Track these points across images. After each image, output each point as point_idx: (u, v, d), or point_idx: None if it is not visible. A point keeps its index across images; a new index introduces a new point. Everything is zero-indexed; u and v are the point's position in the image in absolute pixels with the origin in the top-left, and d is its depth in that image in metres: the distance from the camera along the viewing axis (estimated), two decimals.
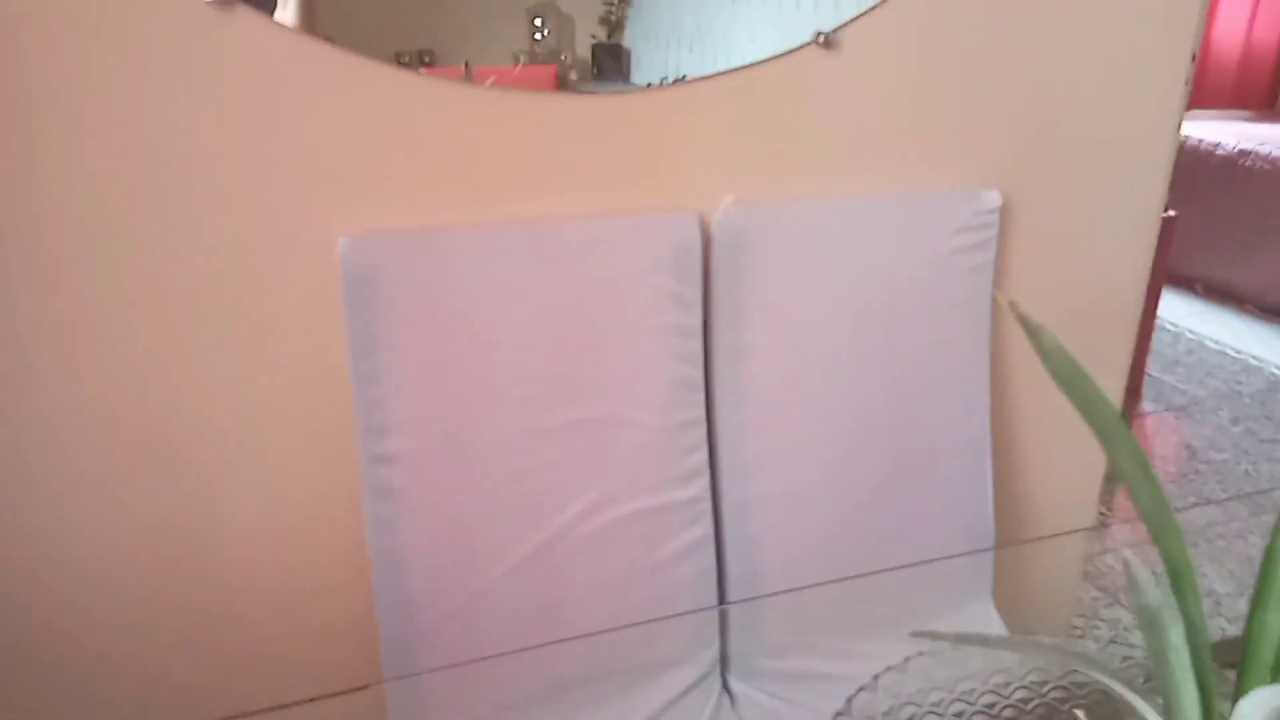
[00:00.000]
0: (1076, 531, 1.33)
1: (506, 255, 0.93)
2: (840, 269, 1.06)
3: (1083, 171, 1.17)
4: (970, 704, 0.61)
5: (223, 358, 0.88)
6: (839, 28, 0.99)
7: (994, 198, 1.10)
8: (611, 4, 1.04)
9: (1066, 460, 1.31)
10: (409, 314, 0.90)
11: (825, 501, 1.10)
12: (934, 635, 0.40)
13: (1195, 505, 2.29)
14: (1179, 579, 0.42)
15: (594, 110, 0.95)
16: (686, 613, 1.06)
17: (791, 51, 0.99)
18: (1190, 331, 3.24)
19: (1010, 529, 1.27)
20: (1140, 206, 1.22)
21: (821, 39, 0.98)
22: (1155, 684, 0.45)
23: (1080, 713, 0.42)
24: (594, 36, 1.04)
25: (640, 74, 1.05)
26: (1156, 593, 0.46)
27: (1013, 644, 0.38)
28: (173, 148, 0.81)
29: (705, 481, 1.04)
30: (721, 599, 1.09)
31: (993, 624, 1.16)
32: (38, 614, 0.89)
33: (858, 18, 0.99)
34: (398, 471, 0.92)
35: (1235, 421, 2.59)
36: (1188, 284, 3.59)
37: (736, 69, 0.98)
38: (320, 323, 0.90)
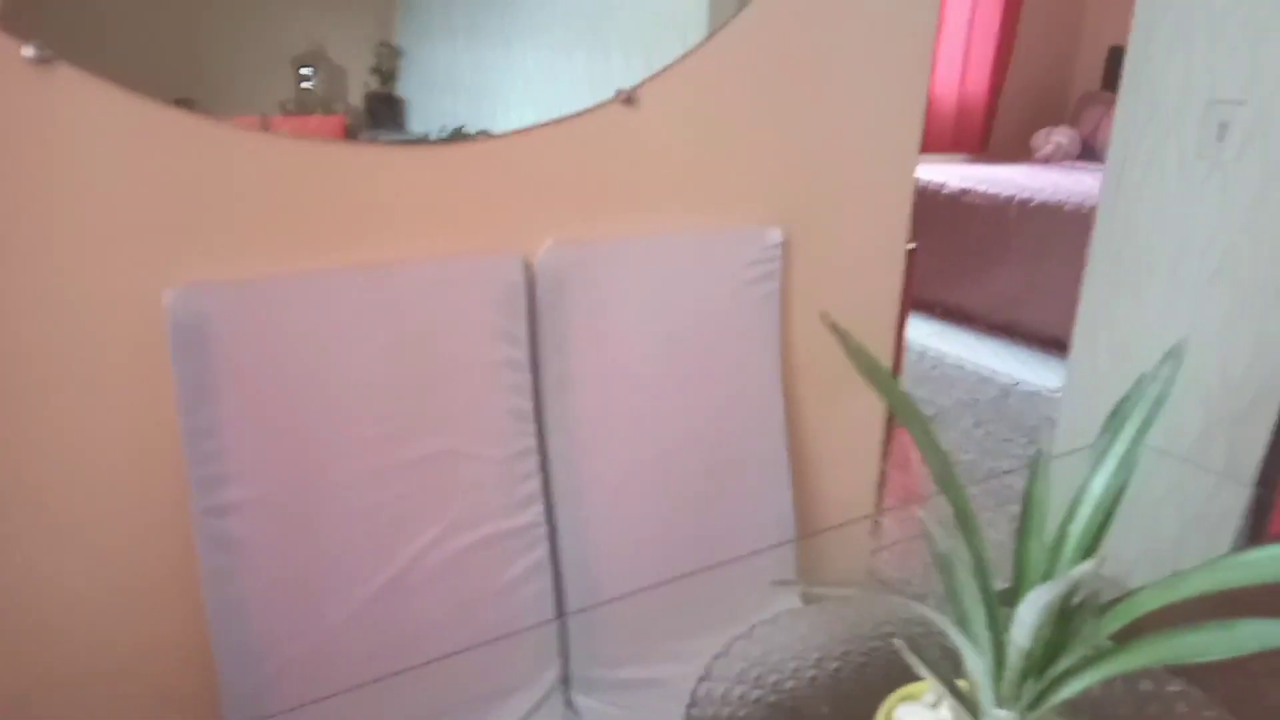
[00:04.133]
0: (861, 519, 1.50)
1: (340, 299, 0.96)
2: (650, 301, 1.16)
3: (844, 209, 1.34)
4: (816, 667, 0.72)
5: (46, 414, 0.85)
6: (639, 85, 1.10)
7: (776, 234, 1.25)
8: (383, 54, 1.07)
9: (848, 463, 1.48)
10: (242, 363, 0.91)
11: (651, 517, 1.19)
12: (810, 584, 0.49)
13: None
14: (965, 523, 0.54)
15: (420, 160, 1.00)
16: (523, 630, 1.11)
17: (598, 107, 1.08)
18: (933, 350, 3.65)
19: (808, 525, 1.41)
20: (890, 239, 1.42)
21: (624, 96, 1.09)
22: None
23: (898, 641, 0.52)
24: (367, 85, 1.05)
25: (417, 123, 1.07)
26: (947, 540, 0.57)
27: (864, 589, 0.48)
28: None
29: (540, 507, 1.10)
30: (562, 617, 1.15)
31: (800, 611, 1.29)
32: None
33: (654, 76, 1.11)
34: (235, 521, 0.92)
35: (977, 425, 2.95)
36: (928, 308, 4.05)
37: (550, 122, 1.06)
38: (148, 377, 0.89)
